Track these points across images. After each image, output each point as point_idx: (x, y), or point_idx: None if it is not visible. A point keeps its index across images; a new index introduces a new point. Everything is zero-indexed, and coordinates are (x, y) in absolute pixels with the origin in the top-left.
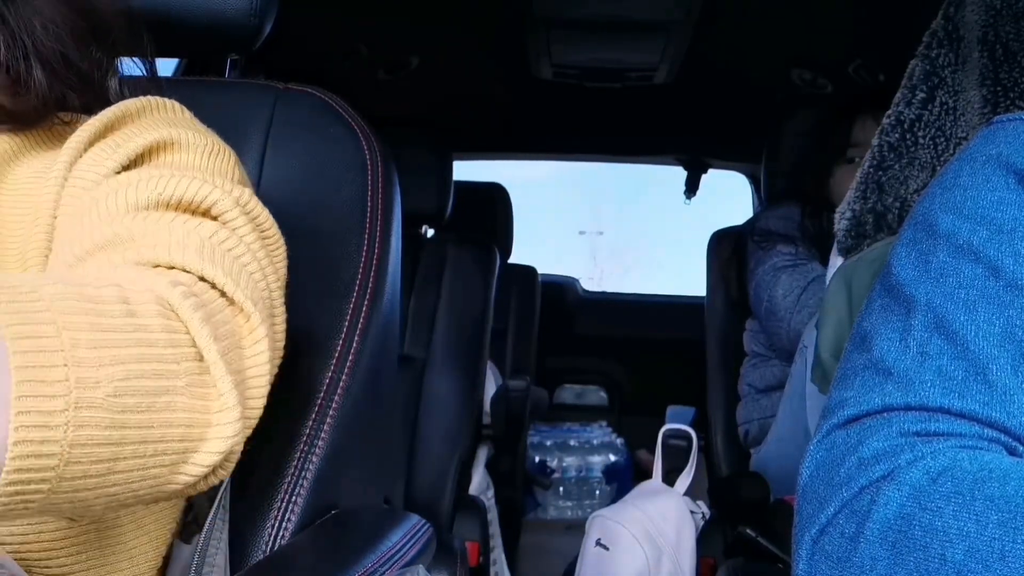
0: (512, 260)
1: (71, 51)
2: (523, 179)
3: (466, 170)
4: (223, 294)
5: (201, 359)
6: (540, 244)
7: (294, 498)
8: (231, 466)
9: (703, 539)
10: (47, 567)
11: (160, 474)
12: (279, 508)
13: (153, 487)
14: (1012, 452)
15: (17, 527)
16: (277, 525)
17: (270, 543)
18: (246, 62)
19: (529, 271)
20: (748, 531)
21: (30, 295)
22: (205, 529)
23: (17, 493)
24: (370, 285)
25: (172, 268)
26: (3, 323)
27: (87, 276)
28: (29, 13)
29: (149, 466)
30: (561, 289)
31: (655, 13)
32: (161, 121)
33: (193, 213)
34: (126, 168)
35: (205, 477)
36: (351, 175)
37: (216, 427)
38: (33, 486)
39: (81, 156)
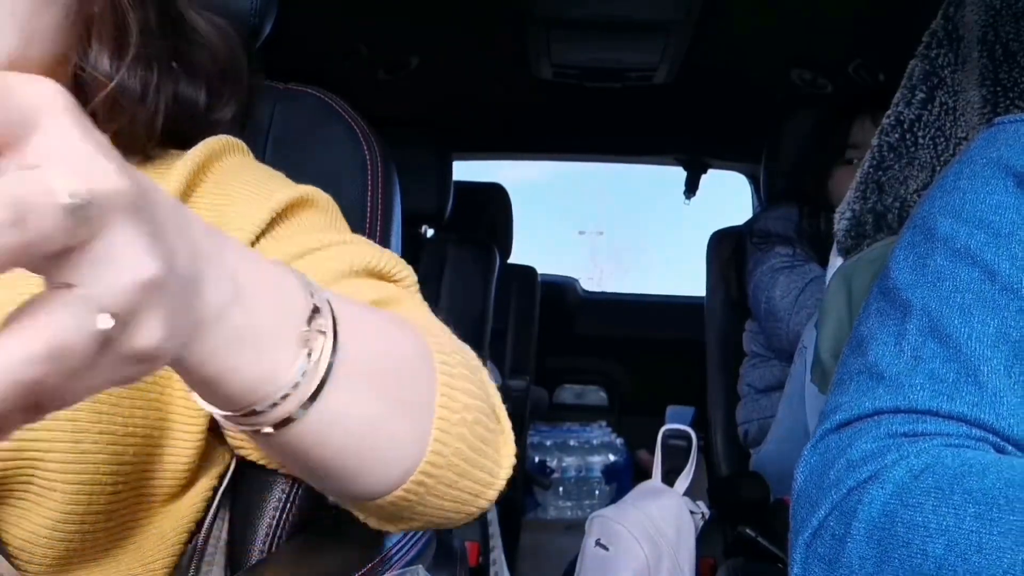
0: (512, 260)
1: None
2: (523, 179)
3: (466, 170)
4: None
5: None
6: (540, 244)
7: (293, 498)
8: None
9: (703, 539)
10: (65, 571)
11: (469, 499)
12: (277, 508)
13: (460, 510)
14: (1000, 452)
15: (43, 533)
16: (275, 525)
17: (268, 544)
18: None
19: (529, 271)
20: (748, 531)
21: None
22: (204, 529)
23: (419, 484)
24: None
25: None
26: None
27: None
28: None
29: (469, 490)
30: (561, 289)
31: (655, 13)
32: (252, 166)
33: (379, 279)
34: (272, 222)
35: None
36: (351, 175)
37: (505, 457)
38: (422, 486)
39: (189, 198)
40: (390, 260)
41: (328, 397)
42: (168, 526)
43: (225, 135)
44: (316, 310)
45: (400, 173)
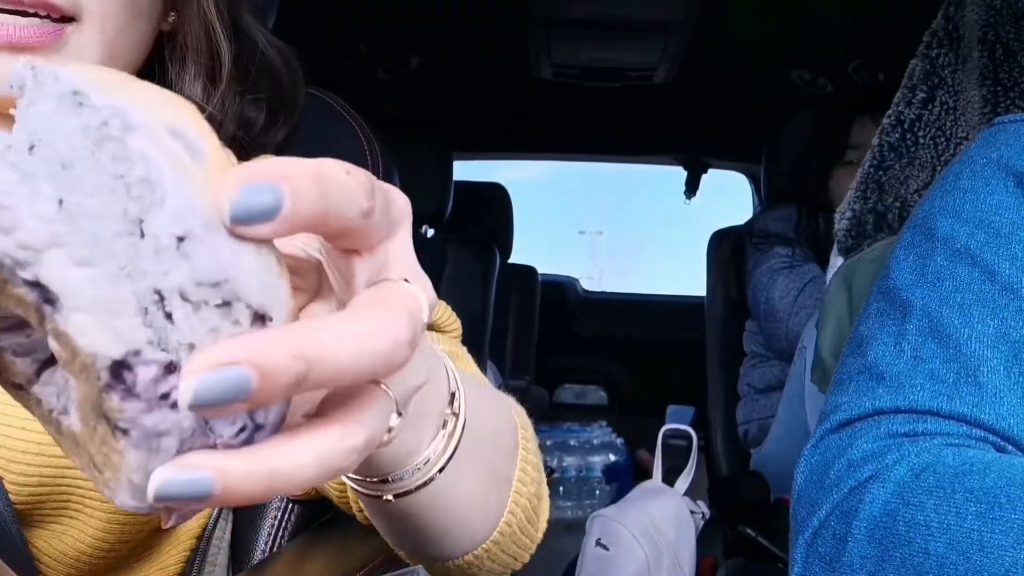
0: (512, 260)
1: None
2: (523, 179)
3: (466, 170)
4: None
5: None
6: (540, 244)
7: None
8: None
9: (703, 539)
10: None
11: (511, 563)
12: (280, 508)
13: (501, 573)
14: (1000, 451)
15: (71, 554)
16: (277, 526)
17: (270, 544)
18: None
19: (529, 271)
20: (748, 530)
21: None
22: (207, 530)
23: (486, 551)
24: None
25: None
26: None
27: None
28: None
29: (515, 555)
30: (561, 289)
31: (655, 13)
32: None
33: (437, 331)
34: None
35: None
36: None
37: (543, 521)
38: (488, 552)
39: None
40: (444, 311)
41: (448, 471)
42: (181, 529)
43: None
44: (454, 393)
45: (400, 173)
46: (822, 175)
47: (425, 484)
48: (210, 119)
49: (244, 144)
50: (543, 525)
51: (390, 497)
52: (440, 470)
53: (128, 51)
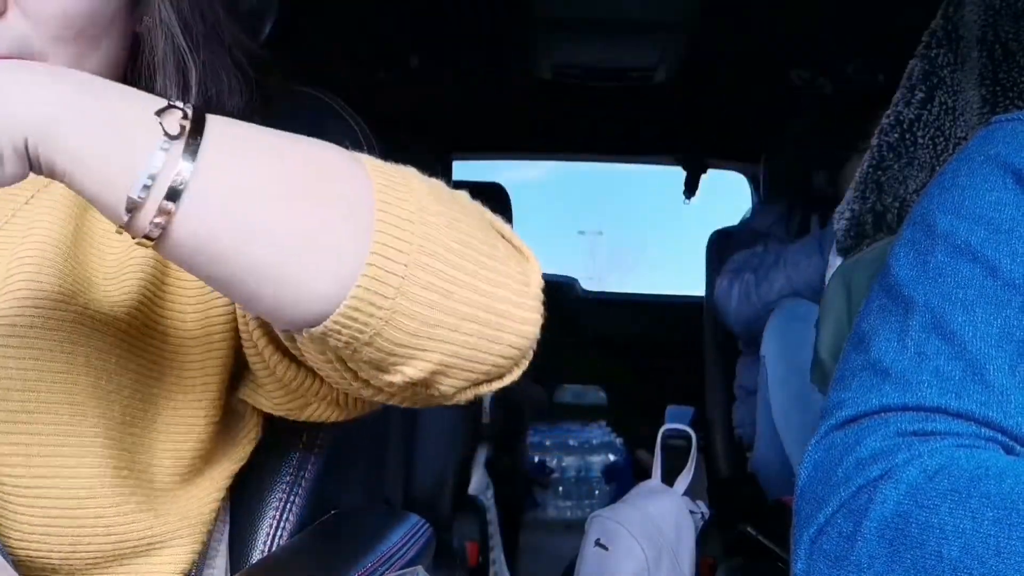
0: None
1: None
2: (523, 179)
3: (466, 170)
4: None
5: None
6: (540, 244)
7: (292, 498)
8: (527, 363)
9: (703, 539)
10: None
11: (488, 320)
12: (278, 508)
13: (484, 336)
14: (1009, 451)
15: (66, 539)
16: (276, 525)
17: (269, 543)
18: None
19: None
20: (749, 529)
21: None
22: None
23: (357, 309)
24: None
25: None
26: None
27: None
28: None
29: (479, 306)
30: (561, 289)
31: (655, 13)
32: None
33: None
34: None
35: (517, 362)
36: None
37: (533, 275)
38: (371, 308)
39: None
40: None
41: (200, 190)
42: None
43: None
44: (172, 106)
45: None
46: (831, 173)
47: (172, 201)
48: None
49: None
50: (535, 279)
51: (170, 206)
52: (180, 187)
53: (97, 70)
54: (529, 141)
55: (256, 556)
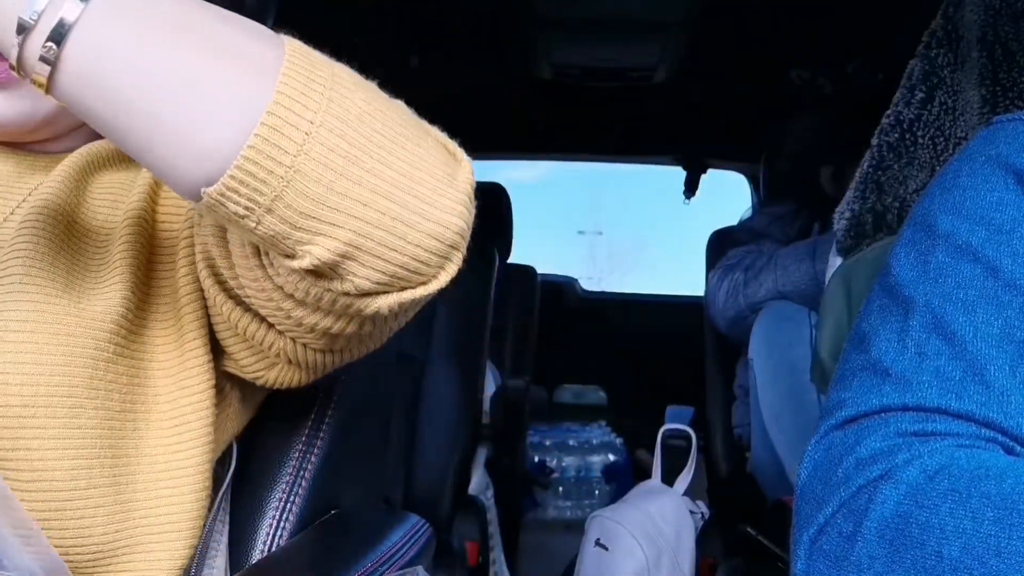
0: (512, 260)
1: None
2: (523, 179)
3: None
4: None
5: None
6: (540, 244)
7: (292, 498)
8: (455, 268)
9: (703, 539)
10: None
11: (399, 214)
12: (278, 508)
13: (388, 233)
14: (1009, 452)
15: (68, 532)
16: (276, 525)
17: (268, 543)
18: None
19: (528, 271)
20: (749, 529)
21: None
22: (205, 529)
23: (254, 162)
24: None
25: None
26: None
27: None
28: None
29: (389, 197)
30: (560, 289)
31: (654, 13)
32: None
33: None
34: None
35: (442, 263)
36: None
37: (462, 183)
38: (271, 163)
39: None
40: None
41: (96, 14)
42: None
43: None
44: None
45: None
46: (843, 167)
47: (57, 40)
48: None
49: None
50: (464, 177)
51: (50, 46)
52: (62, 30)
53: None
54: (529, 141)
55: (256, 556)
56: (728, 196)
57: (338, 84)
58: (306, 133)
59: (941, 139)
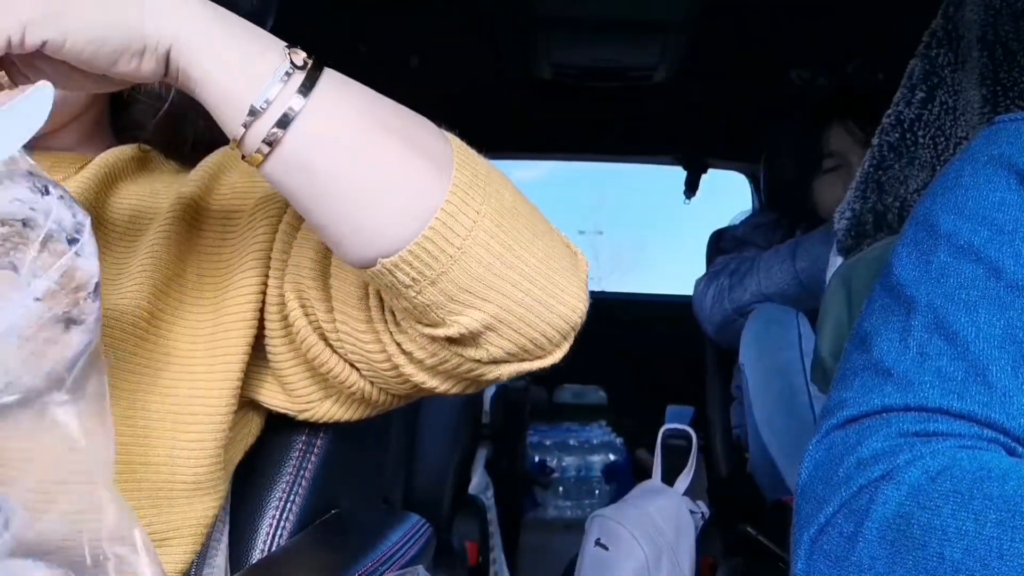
0: None
1: None
2: (523, 179)
3: None
4: None
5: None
6: None
7: (293, 498)
8: (567, 348)
9: (703, 539)
10: None
11: (539, 296)
12: (278, 508)
13: (528, 311)
14: (1011, 453)
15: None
16: (276, 525)
17: (268, 543)
18: None
19: None
20: (749, 529)
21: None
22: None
23: (431, 240)
24: None
25: None
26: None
27: None
28: None
29: (532, 281)
30: None
31: (655, 13)
32: None
33: None
34: None
35: (559, 343)
36: None
37: (582, 274)
38: (444, 243)
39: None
40: None
41: (308, 120)
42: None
43: (223, 148)
44: (292, 47)
45: None
46: (803, 185)
47: (282, 127)
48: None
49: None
50: (583, 273)
51: (276, 131)
52: (288, 118)
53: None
54: (529, 141)
55: (256, 556)
56: (728, 196)
57: (492, 179)
58: (473, 221)
59: (942, 139)
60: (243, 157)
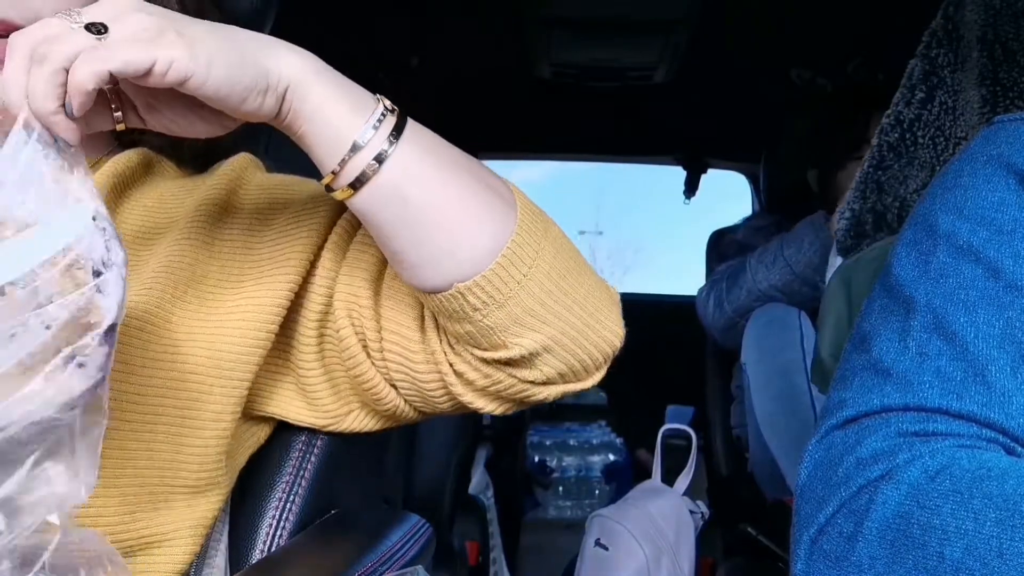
0: None
1: None
2: (523, 179)
3: None
4: None
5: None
6: None
7: (292, 498)
8: (603, 373)
9: (703, 539)
10: None
11: (588, 322)
12: (277, 508)
13: (579, 335)
14: (1010, 452)
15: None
16: (276, 525)
17: (268, 543)
18: None
19: None
20: (749, 529)
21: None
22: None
23: (503, 267)
24: None
25: None
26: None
27: None
28: None
29: (583, 308)
30: None
31: (655, 13)
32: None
33: None
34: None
35: (600, 365)
36: None
37: (618, 306)
38: (513, 270)
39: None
40: None
41: (397, 161)
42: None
43: (242, 153)
44: (379, 96)
45: None
46: (831, 170)
47: (378, 162)
48: None
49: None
50: (618, 312)
51: (372, 161)
52: (384, 154)
53: None
54: (529, 141)
55: (256, 556)
56: (728, 196)
57: (544, 215)
58: (536, 251)
59: (941, 139)
60: (329, 190)
